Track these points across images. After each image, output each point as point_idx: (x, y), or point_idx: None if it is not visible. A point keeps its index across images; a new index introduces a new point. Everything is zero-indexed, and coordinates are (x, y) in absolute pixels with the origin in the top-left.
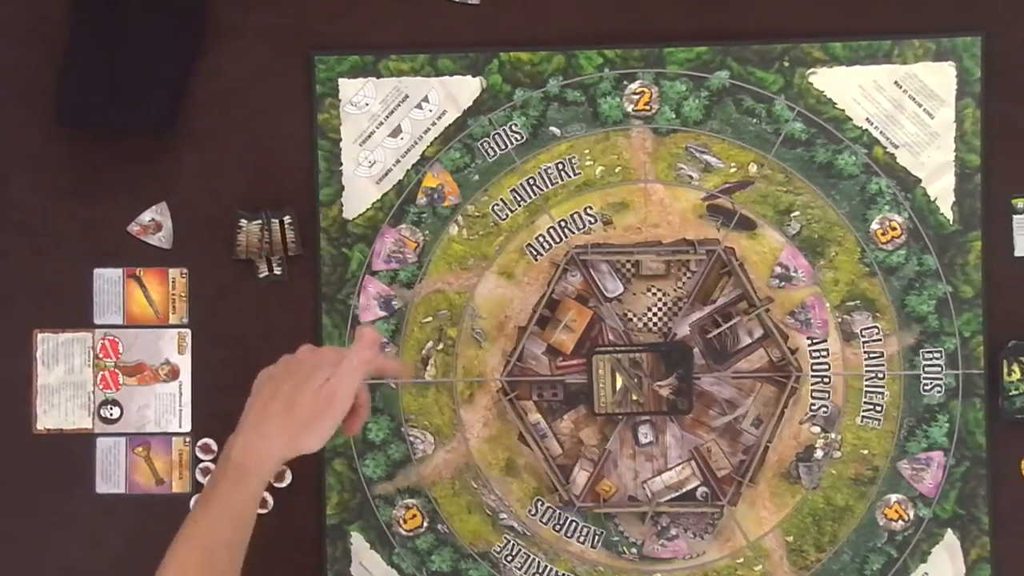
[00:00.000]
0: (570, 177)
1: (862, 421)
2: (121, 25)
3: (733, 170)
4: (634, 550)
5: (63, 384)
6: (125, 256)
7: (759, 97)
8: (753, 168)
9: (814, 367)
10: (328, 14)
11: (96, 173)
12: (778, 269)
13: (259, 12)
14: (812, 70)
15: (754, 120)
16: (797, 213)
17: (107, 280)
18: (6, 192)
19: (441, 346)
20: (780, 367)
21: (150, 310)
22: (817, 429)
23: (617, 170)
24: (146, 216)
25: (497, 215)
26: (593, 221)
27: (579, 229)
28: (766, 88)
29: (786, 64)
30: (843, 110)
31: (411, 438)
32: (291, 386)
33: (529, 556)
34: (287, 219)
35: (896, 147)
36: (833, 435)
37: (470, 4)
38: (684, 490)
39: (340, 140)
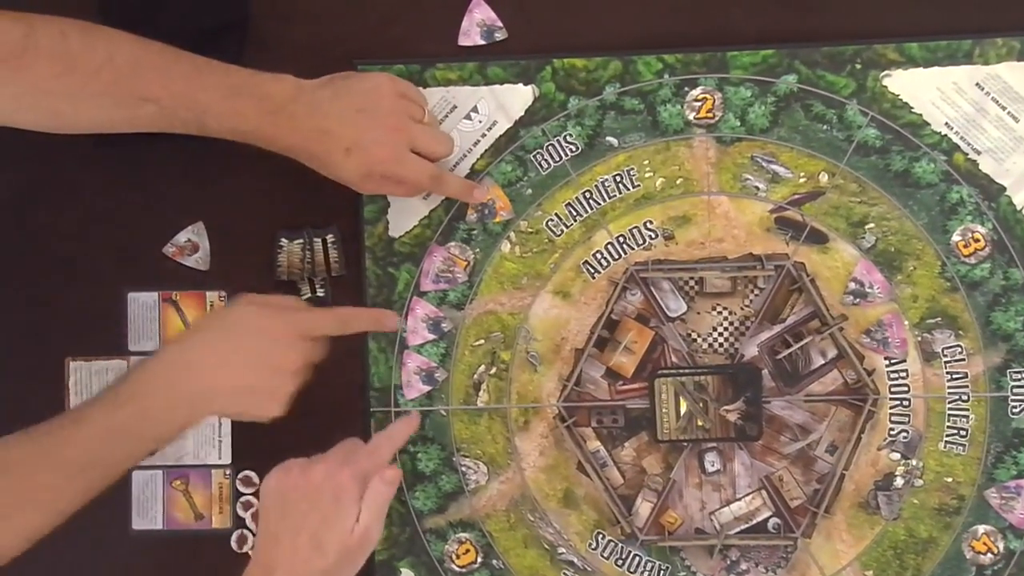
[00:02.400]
0: (629, 190)
1: (945, 447)
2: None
3: (803, 180)
4: None
5: None
6: (160, 279)
7: (830, 102)
8: (824, 178)
9: (892, 389)
10: (372, 23)
11: (129, 193)
12: (852, 285)
13: (301, 24)
14: (886, 72)
15: (824, 127)
16: (872, 225)
17: (142, 305)
18: (37, 215)
19: (494, 370)
20: (856, 390)
21: None
22: (897, 456)
23: (678, 182)
24: (182, 237)
25: (552, 231)
26: (654, 236)
27: (639, 245)
28: (837, 92)
29: (858, 67)
30: (920, 115)
31: (463, 468)
32: (319, 522)
33: None
34: (330, 238)
35: (978, 153)
36: (914, 462)
37: (497, 41)
38: (754, 521)
39: None
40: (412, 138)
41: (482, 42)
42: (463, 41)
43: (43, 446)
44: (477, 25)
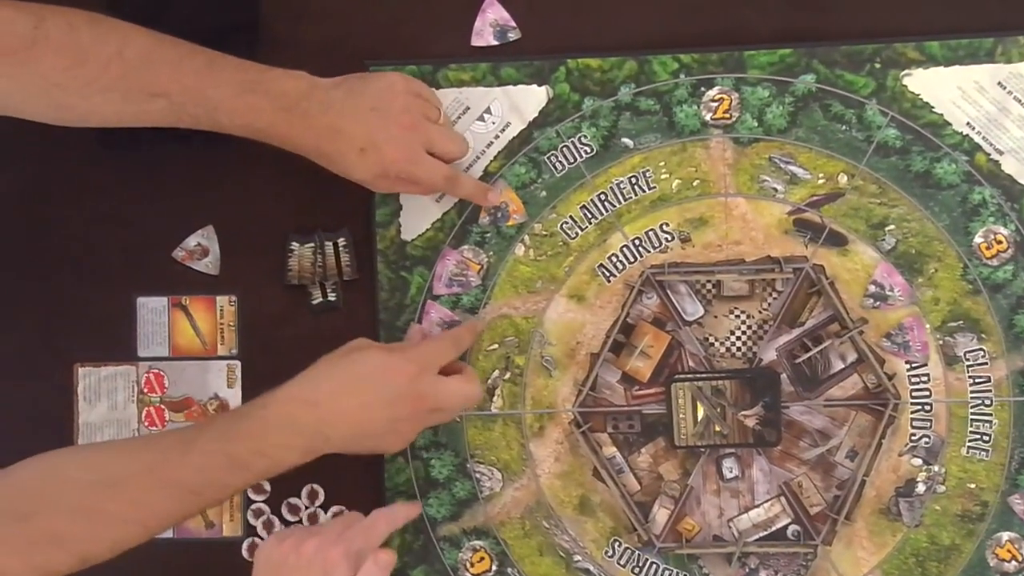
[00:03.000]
0: (644, 192)
1: (968, 452)
2: None
3: (821, 181)
4: None
5: (106, 421)
6: (170, 284)
7: (849, 102)
8: (843, 179)
9: (914, 394)
10: (383, 23)
11: (138, 196)
12: (872, 288)
13: (312, 24)
14: (906, 72)
15: (843, 127)
16: (892, 227)
17: (151, 309)
18: (44, 218)
19: (508, 375)
20: (876, 394)
21: (197, 341)
22: (918, 461)
23: (695, 183)
24: (192, 241)
25: (566, 234)
26: (670, 239)
27: (655, 247)
28: (856, 92)
29: (878, 66)
30: (941, 114)
31: (477, 475)
32: None
33: None
34: (342, 241)
35: (1000, 153)
36: (936, 468)
37: (511, 41)
38: (773, 528)
39: None
40: (427, 138)
41: (495, 42)
42: (476, 41)
43: (156, 466)
44: (490, 25)
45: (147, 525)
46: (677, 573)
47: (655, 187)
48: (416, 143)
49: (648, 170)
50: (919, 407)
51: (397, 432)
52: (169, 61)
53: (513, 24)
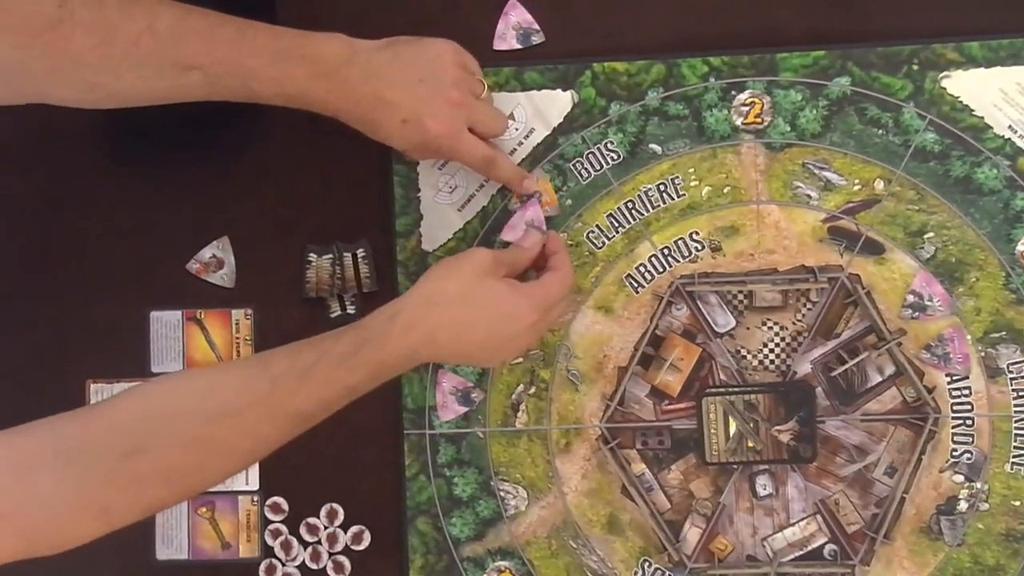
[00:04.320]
0: (673, 199)
1: (1012, 468)
2: None
3: (857, 187)
4: None
5: None
6: (184, 297)
7: (885, 105)
8: (880, 185)
9: (955, 408)
10: (402, 28)
11: (151, 207)
12: (911, 298)
13: (326, 29)
14: (945, 73)
15: (880, 131)
16: (931, 234)
17: (165, 323)
18: (54, 230)
19: (533, 390)
20: (915, 408)
21: (212, 356)
22: (960, 478)
23: (726, 190)
24: (206, 252)
25: (592, 243)
26: (700, 248)
27: (684, 257)
28: (893, 95)
29: (915, 68)
30: (982, 117)
31: (502, 493)
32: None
33: None
34: (361, 252)
35: None
36: (979, 485)
37: (534, 44)
38: (809, 548)
39: (417, 164)
40: (471, 114)
41: (518, 46)
42: (498, 45)
43: (273, 396)
44: (513, 28)
45: (256, 454)
46: None
47: (684, 194)
48: (461, 120)
49: (677, 177)
50: (960, 421)
51: (507, 352)
52: (200, 32)
53: (537, 27)
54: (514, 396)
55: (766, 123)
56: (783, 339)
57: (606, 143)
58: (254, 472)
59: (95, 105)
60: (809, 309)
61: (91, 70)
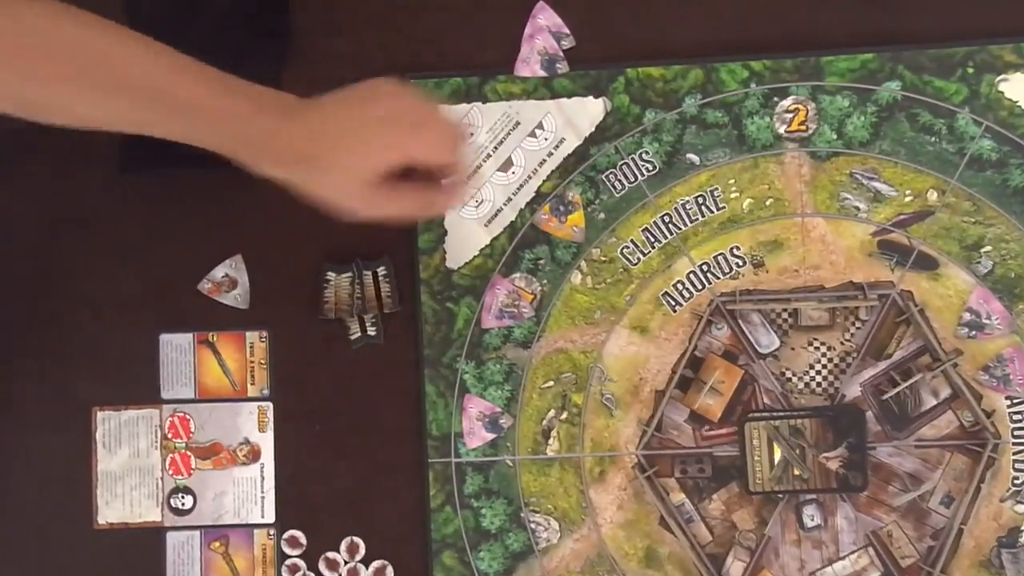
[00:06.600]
0: (712, 212)
1: None
2: (201, 55)
3: (909, 199)
4: None
5: (127, 470)
6: (196, 319)
7: (938, 111)
8: (933, 196)
9: (1016, 433)
10: (423, 34)
11: (160, 224)
12: (967, 316)
13: (347, 35)
14: (1002, 76)
15: (933, 138)
16: (989, 248)
17: (175, 347)
18: (59, 249)
19: (565, 415)
20: (973, 433)
21: (226, 381)
22: (1022, 508)
23: (768, 202)
24: (219, 272)
25: (627, 259)
26: (741, 264)
27: (725, 274)
28: (947, 100)
29: (970, 71)
30: None
31: (532, 525)
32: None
33: None
34: (381, 271)
35: None
36: None
37: (565, 49)
38: None
39: None
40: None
41: (543, 74)
42: (520, 71)
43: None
44: (538, 53)
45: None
46: None
47: (724, 207)
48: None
49: (716, 188)
50: (1022, 447)
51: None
52: (137, 56)
53: (567, 31)
54: (545, 422)
55: (811, 131)
56: (831, 360)
57: (641, 153)
58: (270, 504)
59: (39, 119)
60: (858, 328)
61: (26, 83)
